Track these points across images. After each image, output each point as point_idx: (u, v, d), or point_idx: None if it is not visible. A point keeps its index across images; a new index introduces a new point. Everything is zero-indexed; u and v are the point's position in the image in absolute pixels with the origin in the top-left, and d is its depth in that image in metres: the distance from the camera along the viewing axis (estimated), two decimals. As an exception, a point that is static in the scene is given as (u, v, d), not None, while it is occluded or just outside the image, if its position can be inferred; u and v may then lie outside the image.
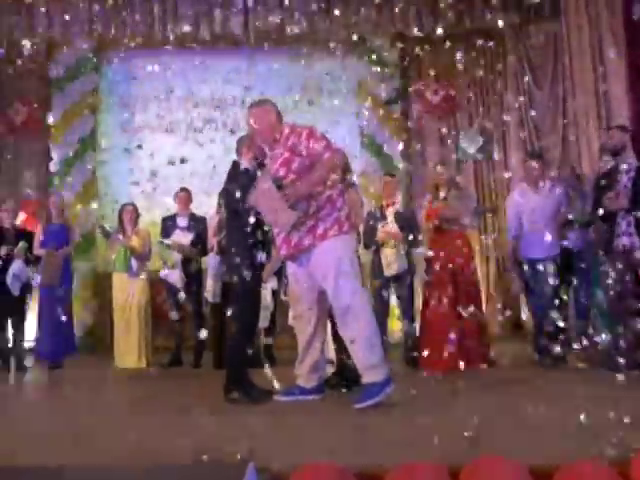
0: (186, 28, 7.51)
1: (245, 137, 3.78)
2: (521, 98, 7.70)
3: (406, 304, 5.05)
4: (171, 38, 7.61)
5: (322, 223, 3.22)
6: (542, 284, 4.54)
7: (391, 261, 4.95)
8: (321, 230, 3.22)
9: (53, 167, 7.60)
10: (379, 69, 7.79)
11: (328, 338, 4.13)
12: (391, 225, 5.04)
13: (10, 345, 5.52)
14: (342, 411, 3.04)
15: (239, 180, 3.56)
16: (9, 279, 5.49)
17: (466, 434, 2.32)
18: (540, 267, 4.52)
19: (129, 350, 5.50)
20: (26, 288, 5.67)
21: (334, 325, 4.00)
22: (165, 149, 7.78)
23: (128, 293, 5.59)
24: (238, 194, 3.47)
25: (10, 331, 5.55)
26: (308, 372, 3.48)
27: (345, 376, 3.85)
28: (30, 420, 3.02)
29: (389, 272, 4.96)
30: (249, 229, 3.46)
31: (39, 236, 5.73)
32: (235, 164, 3.70)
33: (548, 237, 4.39)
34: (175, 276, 5.48)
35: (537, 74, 7.72)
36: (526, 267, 4.69)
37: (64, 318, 5.54)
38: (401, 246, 4.96)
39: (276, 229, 3.37)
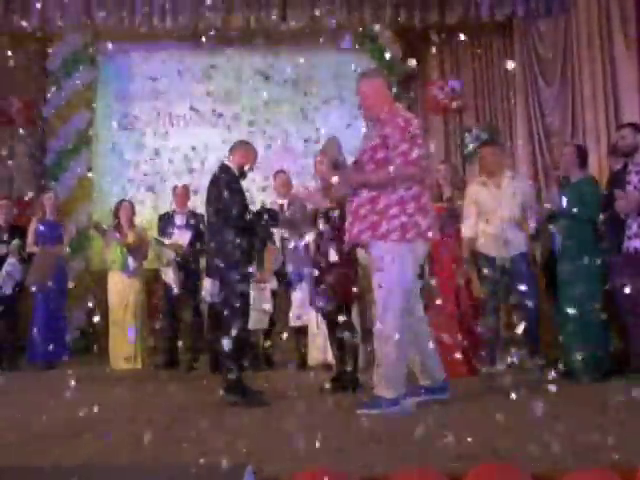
0: (186, 20, 7.52)
1: (245, 145, 3.88)
2: (529, 94, 7.69)
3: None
4: (171, 30, 7.62)
5: (386, 223, 3.16)
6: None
7: None
8: (383, 229, 3.16)
9: (48, 162, 7.61)
10: (382, 63, 7.79)
11: (327, 343, 4.15)
12: None
13: (2, 345, 5.53)
14: (341, 416, 3.04)
15: (226, 180, 3.64)
16: (1, 277, 5.50)
17: (469, 439, 2.33)
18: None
19: (124, 351, 5.51)
20: (20, 287, 5.68)
21: (331, 329, 4.02)
22: (164, 145, 7.78)
23: (123, 292, 5.59)
24: (225, 193, 3.55)
25: (3, 331, 5.55)
26: (421, 371, 3.37)
27: (343, 381, 3.86)
28: (20, 421, 3.03)
29: None
30: (234, 230, 3.53)
31: (33, 233, 5.74)
32: (224, 166, 3.76)
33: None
34: (170, 274, 5.46)
35: (546, 69, 7.71)
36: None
37: (59, 318, 5.55)
38: None
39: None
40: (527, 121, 7.72)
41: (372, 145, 3.24)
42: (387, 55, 7.76)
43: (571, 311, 3.92)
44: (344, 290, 3.93)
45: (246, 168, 3.79)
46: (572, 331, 4.04)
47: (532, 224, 4.38)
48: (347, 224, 3.31)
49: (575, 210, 4.18)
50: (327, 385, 3.87)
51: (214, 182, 3.73)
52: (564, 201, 4.18)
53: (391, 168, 3.14)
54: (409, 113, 3.50)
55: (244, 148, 3.87)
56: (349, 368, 3.89)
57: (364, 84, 3.40)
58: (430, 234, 3.26)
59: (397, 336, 3.10)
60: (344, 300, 3.98)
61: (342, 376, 3.90)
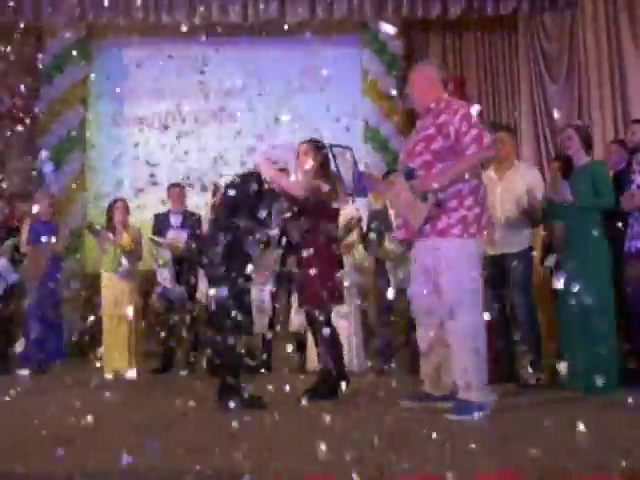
0: (182, 15, 7.51)
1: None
2: (534, 91, 7.68)
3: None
4: (167, 25, 7.61)
5: (445, 217, 3.10)
6: None
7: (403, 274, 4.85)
8: (443, 224, 3.10)
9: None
10: (384, 58, 7.78)
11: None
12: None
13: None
14: (339, 423, 3.02)
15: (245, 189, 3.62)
16: (-6, 278, 5.49)
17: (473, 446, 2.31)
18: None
19: (119, 355, 5.49)
20: (13, 288, 5.66)
21: (315, 333, 3.93)
22: (160, 144, 7.77)
23: (118, 295, 5.56)
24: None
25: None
26: (431, 380, 3.33)
27: (329, 386, 3.80)
28: (10, 426, 3.01)
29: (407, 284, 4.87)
30: (228, 236, 3.52)
31: (26, 233, 5.71)
32: (252, 175, 3.72)
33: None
34: (165, 274, 5.45)
35: (551, 65, 7.70)
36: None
37: (52, 320, 5.54)
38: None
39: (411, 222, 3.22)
40: (532, 118, 7.72)
41: (425, 135, 3.17)
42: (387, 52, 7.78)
43: (575, 312, 3.73)
44: (326, 291, 3.78)
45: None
46: (576, 336, 3.80)
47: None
48: (399, 219, 3.25)
49: (592, 200, 3.85)
50: (304, 399, 3.64)
51: (240, 187, 3.68)
52: (567, 191, 3.85)
53: (469, 153, 3.08)
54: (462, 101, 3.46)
55: (269, 164, 3.81)
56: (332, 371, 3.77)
57: (415, 73, 3.39)
58: (486, 232, 3.23)
59: (476, 337, 3.07)
60: (328, 302, 3.84)
61: (326, 381, 3.79)
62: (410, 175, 3.09)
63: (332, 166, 3.54)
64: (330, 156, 3.52)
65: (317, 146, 3.88)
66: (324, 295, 3.76)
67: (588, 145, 4.02)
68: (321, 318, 3.75)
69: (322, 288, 3.71)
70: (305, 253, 3.71)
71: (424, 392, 3.36)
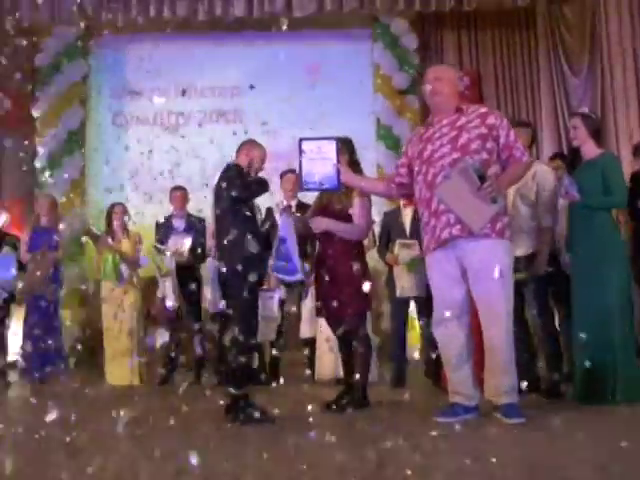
0: (184, 10, 7.51)
1: (249, 143, 3.82)
2: (555, 85, 7.62)
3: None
4: (168, 20, 7.61)
5: (499, 220, 3.21)
6: None
7: (407, 282, 4.83)
8: (500, 226, 3.20)
9: (39, 164, 7.61)
10: (396, 53, 7.75)
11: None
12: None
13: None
14: (353, 435, 2.98)
15: (231, 177, 3.60)
16: (-7, 288, 5.49)
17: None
18: None
19: (121, 366, 5.48)
20: (11, 297, 5.67)
21: (343, 341, 3.94)
22: (162, 144, 7.77)
23: (119, 303, 5.54)
24: (233, 193, 3.52)
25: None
26: (466, 387, 3.30)
27: (354, 396, 3.78)
28: (11, 441, 3.00)
29: (410, 293, 4.86)
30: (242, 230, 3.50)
31: (25, 241, 5.72)
32: (230, 165, 3.72)
33: None
34: (167, 286, 5.40)
35: (572, 58, 7.64)
36: None
37: (52, 329, 5.54)
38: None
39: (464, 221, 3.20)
40: (553, 113, 7.65)
41: (479, 134, 3.23)
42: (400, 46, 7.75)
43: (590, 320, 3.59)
44: (363, 301, 3.83)
45: (254, 167, 3.74)
46: (590, 345, 3.58)
47: (546, 223, 4.14)
48: (441, 221, 3.23)
49: (601, 199, 3.66)
50: (333, 405, 3.75)
51: (220, 182, 3.68)
52: (574, 189, 3.69)
53: (526, 160, 3.29)
54: None
55: (247, 146, 3.83)
56: (358, 381, 3.79)
57: (444, 70, 3.48)
58: None
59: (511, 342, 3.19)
60: (366, 310, 3.90)
61: (351, 391, 3.82)
62: (483, 175, 3.12)
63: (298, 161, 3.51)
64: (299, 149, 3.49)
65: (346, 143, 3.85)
66: (362, 303, 3.81)
67: (597, 136, 3.80)
68: (362, 327, 3.80)
69: (359, 296, 3.76)
70: (355, 266, 3.77)
71: (459, 404, 3.31)
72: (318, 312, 4.04)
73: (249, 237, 3.54)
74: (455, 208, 3.17)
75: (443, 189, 3.18)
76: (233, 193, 3.55)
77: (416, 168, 3.37)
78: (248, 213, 3.61)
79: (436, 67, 3.57)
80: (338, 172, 3.44)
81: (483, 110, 3.34)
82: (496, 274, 3.12)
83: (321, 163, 3.43)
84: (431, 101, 3.40)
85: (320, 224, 3.82)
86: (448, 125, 3.29)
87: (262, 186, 3.66)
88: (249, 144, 3.84)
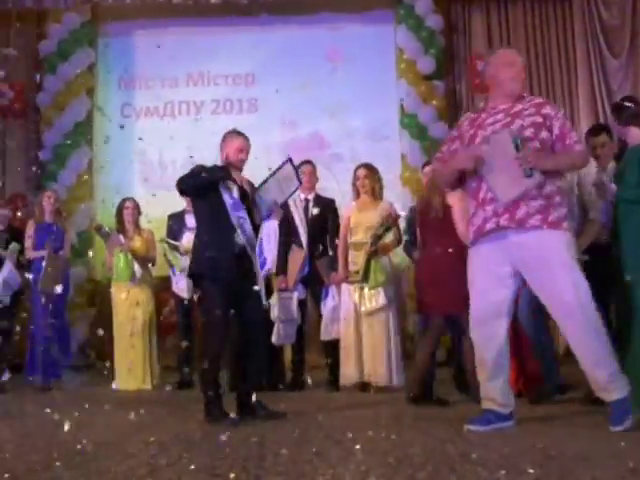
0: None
1: (226, 135, 3.92)
2: (592, 67, 7.51)
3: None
4: (178, 4, 7.62)
5: (554, 210, 3.16)
6: None
7: None
8: (554, 217, 3.15)
9: (44, 156, 7.65)
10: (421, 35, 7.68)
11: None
12: None
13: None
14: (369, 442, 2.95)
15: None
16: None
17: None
18: None
19: (132, 369, 5.48)
20: (18, 296, 5.70)
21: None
22: (173, 136, 7.78)
23: (130, 304, 5.54)
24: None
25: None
26: (502, 394, 3.27)
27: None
28: (18, 447, 3.00)
29: None
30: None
31: (31, 237, 5.74)
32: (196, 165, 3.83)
33: None
34: (182, 283, 5.41)
35: (611, 39, 7.53)
36: None
37: (61, 331, 5.57)
38: None
39: (490, 194, 3.21)
40: (591, 99, 7.54)
41: (533, 121, 3.23)
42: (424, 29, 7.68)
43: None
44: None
45: (231, 160, 3.82)
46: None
47: (592, 215, 4.08)
48: (492, 207, 3.20)
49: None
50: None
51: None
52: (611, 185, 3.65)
53: (578, 149, 3.25)
54: None
55: (224, 140, 3.90)
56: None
57: (517, 56, 3.45)
58: None
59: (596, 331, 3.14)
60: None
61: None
62: (519, 145, 3.13)
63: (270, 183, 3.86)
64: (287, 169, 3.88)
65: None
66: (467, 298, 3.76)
67: (636, 116, 3.77)
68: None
69: (464, 290, 3.69)
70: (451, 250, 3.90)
71: (492, 411, 3.26)
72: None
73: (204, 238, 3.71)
74: (487, 176, 3.17)
75: (477, 153, 3.21)
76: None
77: None
78: (210, 208, 3.71)
79: (511, 50, 3.58)
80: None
81: (540, 100, 3.36)
82: (552, 264, 3.09)
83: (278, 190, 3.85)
84: (506, 87, 3.34)
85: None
86: (503, 112, 3.29)
87: (194, 175, 3.73)
88: (226, 137, 3.90)
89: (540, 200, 3.15)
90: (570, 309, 3.09)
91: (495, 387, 3.27)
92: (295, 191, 4.04)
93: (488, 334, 3.26)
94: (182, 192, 3.87)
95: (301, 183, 4.16)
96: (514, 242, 3.16)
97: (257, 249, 3.93)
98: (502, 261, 3.21)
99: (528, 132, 3.19)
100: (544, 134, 3.21)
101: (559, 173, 3.28)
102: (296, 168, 4.00)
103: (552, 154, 3.22)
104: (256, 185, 3.89)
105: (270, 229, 5.04)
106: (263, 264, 4.82)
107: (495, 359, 3.25)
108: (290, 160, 3.91)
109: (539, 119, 3.22)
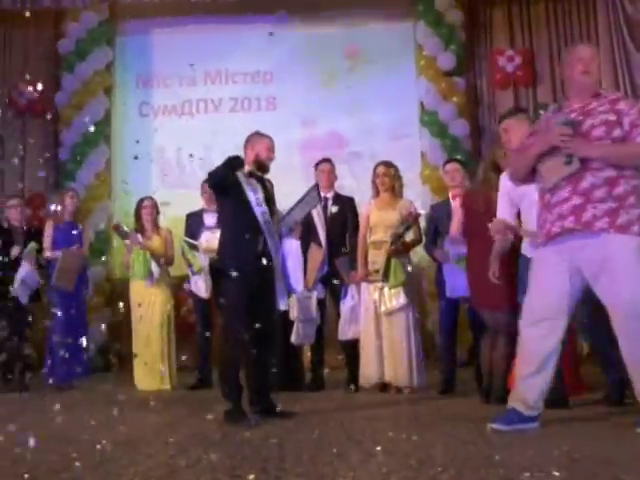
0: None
1: (252, 137, 3.95)
2: (617, 62, 7.42)
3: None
4: (197, 3, 7.63)
5: (625, 213, 3.05)
6: None
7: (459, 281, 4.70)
8: (623, 220, 3.05)
9: (62, 156, 7.71)
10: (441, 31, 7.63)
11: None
12: None
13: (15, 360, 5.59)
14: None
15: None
16: (17, 285, 5.53)
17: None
18: None
19: (150, 370, 5.50)
20: (34, 295, 5.74)
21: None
22: (191, 135, 7.80)
23: (149, 304, 5.54)
24: None
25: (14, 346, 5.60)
26: (536, 398, 3.23)
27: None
28: (40, 449, 3.02)
29: (462, 292, 4.73)
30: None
31: (49, 236, 5.77)
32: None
33: None
34: (200, 283, 5.40)
35: (636, 33, 7.43)
36: None
37: (80, 331, 5.60)
38: None
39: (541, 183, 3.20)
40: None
41: (606, 120, 3.13)
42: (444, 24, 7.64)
43: None
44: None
45: (262, 159, 3.85)
46: None
47: None
48: (568, 205, 3.14)
49: None
50: None
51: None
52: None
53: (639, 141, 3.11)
54: None
55: (251, 140, 3.93)
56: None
57: (594, 51, 3.35)
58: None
59: None
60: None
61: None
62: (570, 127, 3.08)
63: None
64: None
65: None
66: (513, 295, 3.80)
67: None
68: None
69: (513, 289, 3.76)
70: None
71: (516, 411, 3.23)
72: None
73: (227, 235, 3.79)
74: (540, 161, 3.14)
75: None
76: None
77: None
78: (235, 206, 3.76)
79: (582, 45, 3.58)
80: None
81: (614, 96, 3.24)
82: (614, 268, 3.02)
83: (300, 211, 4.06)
84: (577, 83, 3.26)
85: None
86: (577, 110, 3.21)
87: (221, 167, 3.74)
88: (252, 138, 3.93)
89: (610, 202, 3.05)
90: (625, 312, 3.02)
91: (533, 385, 3.21)
92: (314, 207, 4.31)
93: (541, 334, 3.20)
94: (212, 188, 4.00)
95: (321, 201, 4.27)
96: (579, 244, 3.10)
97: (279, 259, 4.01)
98: (566, 266, 3.15)
99: (599, 131, 3.10)
100: (617, 133, 3.10)
101: (636, 172, 3.11)
102: (319, 193, 4.27)
103: (606, 144, 3.08)
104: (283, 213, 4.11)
105: (292, 248, 5.06)
106: (289, 286, 4.85)
107: (542, 360, 3.19)
108: (317, 186, 4.20)
109: (612, 117, 3.11)
